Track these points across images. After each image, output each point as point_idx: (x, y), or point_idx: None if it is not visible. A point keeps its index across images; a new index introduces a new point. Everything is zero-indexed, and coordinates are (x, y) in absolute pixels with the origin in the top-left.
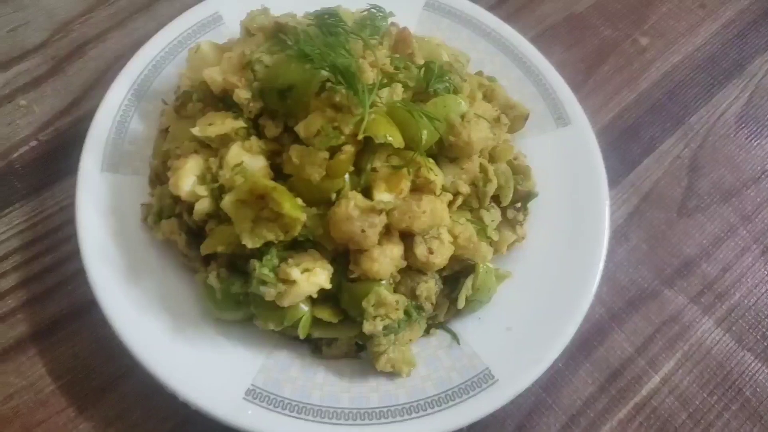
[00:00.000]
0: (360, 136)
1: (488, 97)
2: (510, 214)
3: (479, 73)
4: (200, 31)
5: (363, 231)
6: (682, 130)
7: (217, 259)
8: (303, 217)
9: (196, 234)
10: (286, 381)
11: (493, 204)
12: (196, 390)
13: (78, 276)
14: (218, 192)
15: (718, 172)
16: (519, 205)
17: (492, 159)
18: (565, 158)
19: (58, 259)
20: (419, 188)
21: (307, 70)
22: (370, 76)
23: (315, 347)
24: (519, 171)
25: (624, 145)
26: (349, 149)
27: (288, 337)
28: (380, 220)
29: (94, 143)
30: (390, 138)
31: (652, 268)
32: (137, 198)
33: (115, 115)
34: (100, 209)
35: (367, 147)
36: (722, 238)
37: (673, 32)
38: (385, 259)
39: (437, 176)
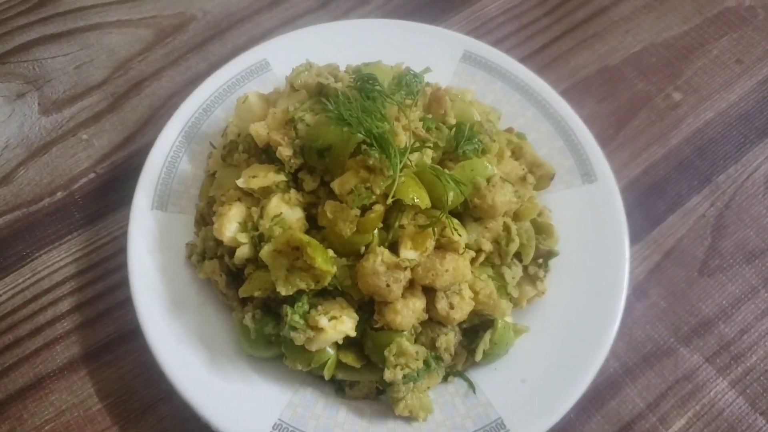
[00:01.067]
0: (389, 201)
1: (516, 155)
2: (531, 270)
3: (509, 130)
4: (248, 77)
5: (388, 285)
6: (710, 188)
7: (253, 301)
8: (333, 269)
9: (235, 275)
10: (311, 417)
11: (514, 260)
12: (227, 420)
13: (126, 304)
14: (258, 240)
15: (743, 233)
16: (540, 261)
17: (516, 217)
18: (589, 215)
19: (109, 286)
20: (443, 246)
21: (345, 132)
22: (402, 140)
23: (339, 387)
24: (542, 229)
25: (649, 202)
26: (378, 208)
27: (314, 376)
28: (404, 276)
29: (147, 182)
30: (417, 200)
31: (669, 326)
32: (183, 236)
33: (167, 155)
34: (148, 245)
35: (395, 206)
36: (742, 300)
37: (708, 88)
38: (408, 311)
39: (461, 236)
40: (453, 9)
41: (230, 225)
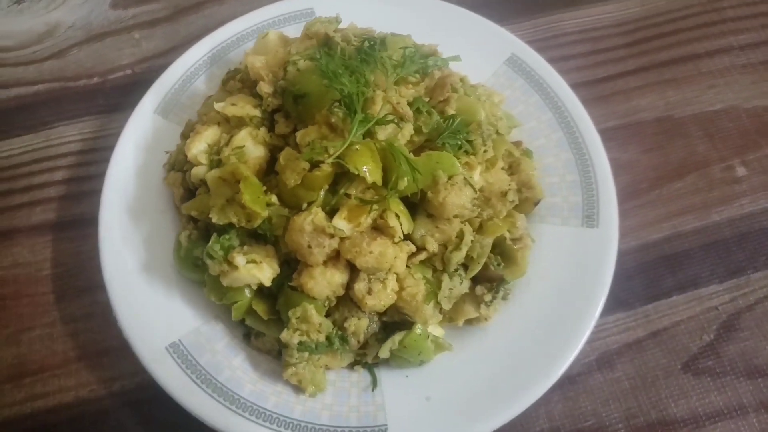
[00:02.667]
0: (329, 160)
1: (513, 169)
2: (479, 290)
3: (517, 143)
4: (290, 20)
5: (310, 247)
6: (737, 282)
7: (195, 222)
8: (264, 212)
9: (191, 193)
10: (208, 351)
11: (460, 272)
12: (133, 322)
13: None
14: (215, 164)
15: (757, 344)
16: (492, 285)
17: (480, 230)
18: (574, 260)
19: (100, 172)
20: (380, 229)
21: (323, 84)
22: (377, 109)
23: (246, 333)
24: (506, 253)
25: (658, 272)
26: (326, 168)
27: (229, 313)
28: (329, 244)
29: (159, 87)
30: (365, 171)
31: (624, 410)
32: (171, 144)
33: (187, 70)
34: (138, 142)
35: (348, 173)
36: (724, 415)
37: None
38: (324, 281)
39: (402, 224)
40: (528, 14)
41: (199, 144)
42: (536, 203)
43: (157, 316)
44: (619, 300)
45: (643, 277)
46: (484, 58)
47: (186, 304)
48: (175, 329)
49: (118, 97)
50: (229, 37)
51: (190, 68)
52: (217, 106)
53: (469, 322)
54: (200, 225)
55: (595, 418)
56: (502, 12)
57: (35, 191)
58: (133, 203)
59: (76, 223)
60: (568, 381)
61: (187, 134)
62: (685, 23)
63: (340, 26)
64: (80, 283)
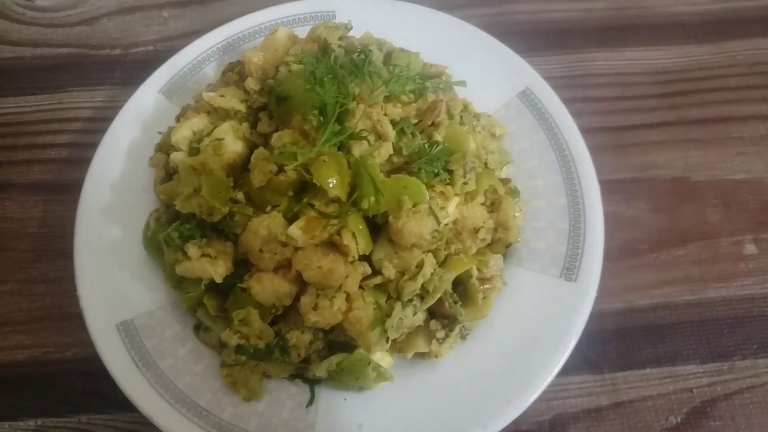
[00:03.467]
0: (291, 167)
1: (494, 206)
2: (432, 325)
3: (505, 180)
4: (311, 19)
5: (261, 251)
6: (720, 366)
7: (168, 206)
8: (224, 208)
9: (170, 176)
10: (156, 335)
11: (415, 302)
12: (91, 294)
13: None
14: (193, 152)
15: None
16: (446, 321)
17: (444, 263)
18: (544, 311)
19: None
20: (335, 244)
21: (306, 90)
22: (353, 123)
23: (197, 326)
24: (467, 293)
25: (637, 341)
26: (291, 174)
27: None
28: (281, 251)
29: (168, 68)
30: (330, 184)
31: None
32: (167, 125)
33: (198, 55)
34: (137, 119)
35: (313, 183)
36: None
37: None
38: (271, 287)
39: (358, 244)
40: (560, 48)
41: (185, 130)
42: (507, 246)
43: (115, 292)
44: (588, 361)
45: (620, 342)
46: (498, 87)
47: (146, 285)
48: (129, 308)
49: (135, 71)
50: (247, 29)
51: (202, 54)
52: (206, 95)
53: (420, 355)
54: (171, 210)
55: None
56: (534, 43)
57: (37, 150)
58: (118, 178)
59: (70, 187)
60: None
61: (180, 117)
62: (725, 82)
63: (357, 34)
64: (59, 246)
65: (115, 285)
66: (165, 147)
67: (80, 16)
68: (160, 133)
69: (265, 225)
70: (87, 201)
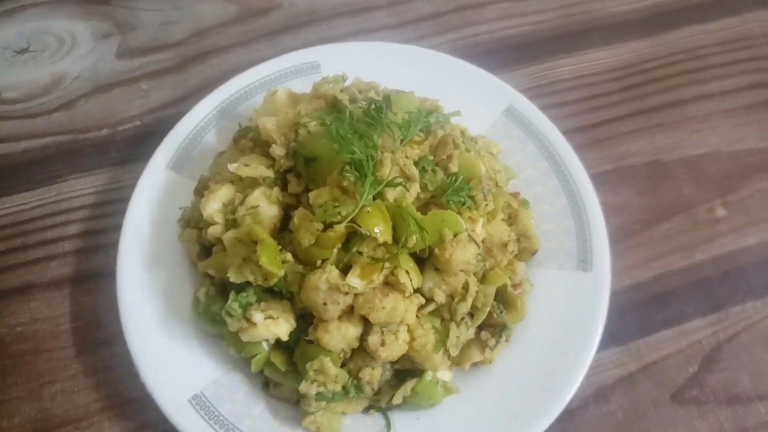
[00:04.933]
0: (344, 223)
1: (511, 220)
2: (483, 335)
3: (515, 194)
4: (296, 73)
5: (325, 304)
6: (718, 316)
7: (212, 278)
8: (280, 272)
9: (207, 249)
10: (229, 401)
11: (467, 320)
12: (155, 374)
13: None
14: (231, 224)
15: (736, 373)
16: (496, 330)
17: (483, 280)
18: (570, 303)
19: (115, 224)
20: (391, 284)
21: (333, 148)
22: (386, 172)
23: (265, 383)
24: (507, 301)
25: (648, 309)
26: (339, 229)
27: (247, 364)
28: (344, 300)
29: (171, 142)
30: (377, 232)
31: None
32: (185, 199)
33: (197, 124)
34: (152, 198)
35: (359, 232)
36: None
37: (759, 214)
38: (339, 335)
39: (412, 280)
40: (525, 62)
41: (214, 203)
42: (534, 253)
43: (177, 369)
44: (613, 336)
45: (635, 314)
46: (483, 109)
47: (205, 356)
48: (196, 381)
49: (129, 148)
50: (237, 92)
51: (200, 123)
52: (231, 167)
53: (474, 364)
54: (216, 281)
55: None
56: (501, 60)
57: (50, 246)
58: (149, 257)
59: (93, 276)
60: (567, 415)
61: (200, 190)
62: (671, 69)
63: (347, 83)
64: (99, 336)
65: (174, 362)
66: (193, 221)
67: (56, 102)
68: (182, 208)
69: (324, 279)
70: (124, 285)
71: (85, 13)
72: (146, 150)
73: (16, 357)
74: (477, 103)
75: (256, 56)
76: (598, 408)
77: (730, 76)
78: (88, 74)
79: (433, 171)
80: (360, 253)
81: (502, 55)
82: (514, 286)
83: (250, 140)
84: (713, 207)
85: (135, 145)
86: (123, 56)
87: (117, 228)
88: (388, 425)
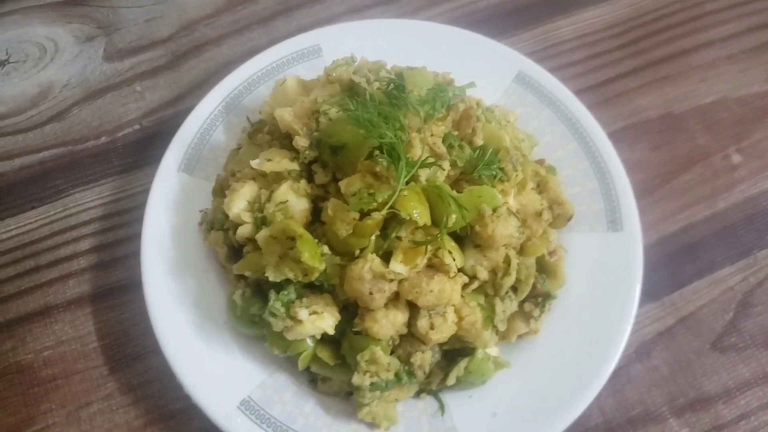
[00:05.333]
0: (384, 211)
1: (540, 188)
2: (527, 307)
3: (540, 162)
4: (298, 59)
5: (371, 293)
6: (747, 261)
7: (246, 279)
8: (321, 266)
9: (236, 251)
10: (278, 402)
11: (510, 294)
12: (199, 385)
13: (139, 255)
14: (260, 222)
15: None
16: (539, 300)
17: (522, 252)
18: (605, 265)
19: (129, 235)
20: (435, 266)
21: (360, 134)
22: (417, 152)
23: (312, 379)
24: (547, 270)
25: (679, 262)
26: (377, 216)
27: (292, 362)
28: (389, 288)
29: (179, 143)
30: (416, 215)
31: (665, 394)
32: (201, 202)
33: (204, 122)
34: (167, 204)
35: (396, 216)
36: (750, 385)
37: None
38: (387, 322)
39: (455, 259)
40: (525, 26)
41: (239, 202)
42: (569, 219)
43: (221, 376)
44: (647, 293)
45: (667, 268)
46: (493, 77)
47: (247, 359)
48: (241, 387)
49: (131, 155)
50: (240, 84)
51: (206, 120)
52: (254, 163)
53: (519, 336)
54: (251, 282)
55: (641, 405)
56: (500, 26)
57: (64, 264)
58: (173, 265)
59: (115, 290)
60: (613, 375)
61: (218, 191)
62: (670, 20)
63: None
64: (130, 351)
65: (217, 370)
66: (218, 223)
67: (47, 113)
68: (202, 211)
69: (367, 269)
70: (153, 296)
71: (62, 16)
72: (150, 154)
73: (48, 382)
74: (486, 72)
75: (250, 45)
76: (642, 365)
77: (728, 21)
78: (78, 81)
79: (460, 147)
80: (399, 238)
81: (500, 20)
82: (550, 253)
83: (267, 134)
84: (729, 154)
85: (137, 151)
86: (111, 58)
87: (131, 239)
88: (442, 407)
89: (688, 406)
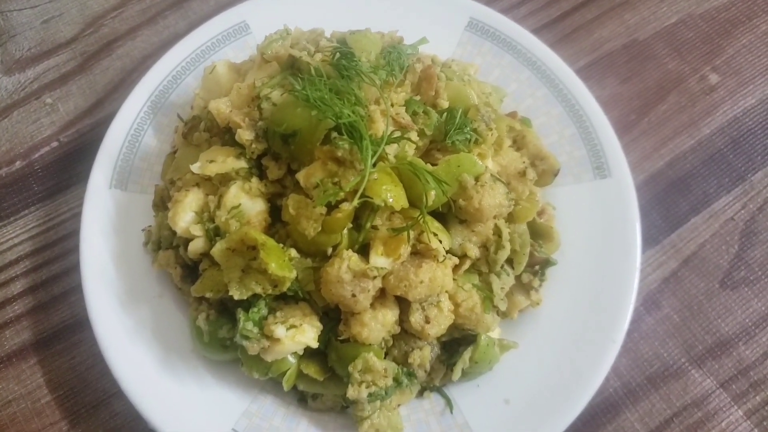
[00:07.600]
0: (355, 202)
1: (518, 144)
2: (525, 278)
3: (513, 114)
4: (225, 40)
5: (354, 295)
6: (742, 187)
7: (208, 300)
8: (291, 274)
9: (191, 269)
10: (269, 429)
11: (505, 268)
12: (174, 427)
13: (81, 289)
14: (213, 233)
15: None
16: (536, 268)
17: (511, 219)
18: (598, 215)
19: (66, 268)
20: (420, 253)
21: (313, 116)
22: (380, 127)
23: (301, 397)
24: (540, 233)
25: (671, 199)
26: (346, 208)
27: (275, 382)
28: (373, 285)
29: (106, 157)
30: (391, 200)
31: (681, 344)
32: (142, 218)
33: (129, 129)
34: (104, 228)
35: (369, 204)
36: None
37: (751, 70)
38: (377, 324)
39: (441, 242)
40: None
41: (185, 214)
42: (555, 174)
43: (199, 413)
44: (644, 238)
45: (660, 208)
46: (443, 29)
47: (223, 388)
48: (223, 420)
49: (53, 177)
50: (164, 79)
51: (132, 125)
52: (194, 167)
53: (521, 311)
54: (214, 302)
55: (658, 360)
56: None
57: None
58: (122, 294)
59: (59, 333)
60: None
61: (159, 203)
62: None
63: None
64: (89, 398)
65: (191, 405)
66: (166, 242)
67: None
68: (143, 230)
69: (345, 268)
70: (105, 334)
71: None
72: (75, 173)
73: None
74: (434, 24)
75: (167, 34)
76: (652, 316)
77: None
78: None
79: (426, 113)
80: (375, 227)
81: None
82: (538, 214)
83: (204, 131)
84: (704, 75)
85: (59, 171)
86: (11, 71)
87: (69, 272)
88: (449, 404)
89: (707, 353)
